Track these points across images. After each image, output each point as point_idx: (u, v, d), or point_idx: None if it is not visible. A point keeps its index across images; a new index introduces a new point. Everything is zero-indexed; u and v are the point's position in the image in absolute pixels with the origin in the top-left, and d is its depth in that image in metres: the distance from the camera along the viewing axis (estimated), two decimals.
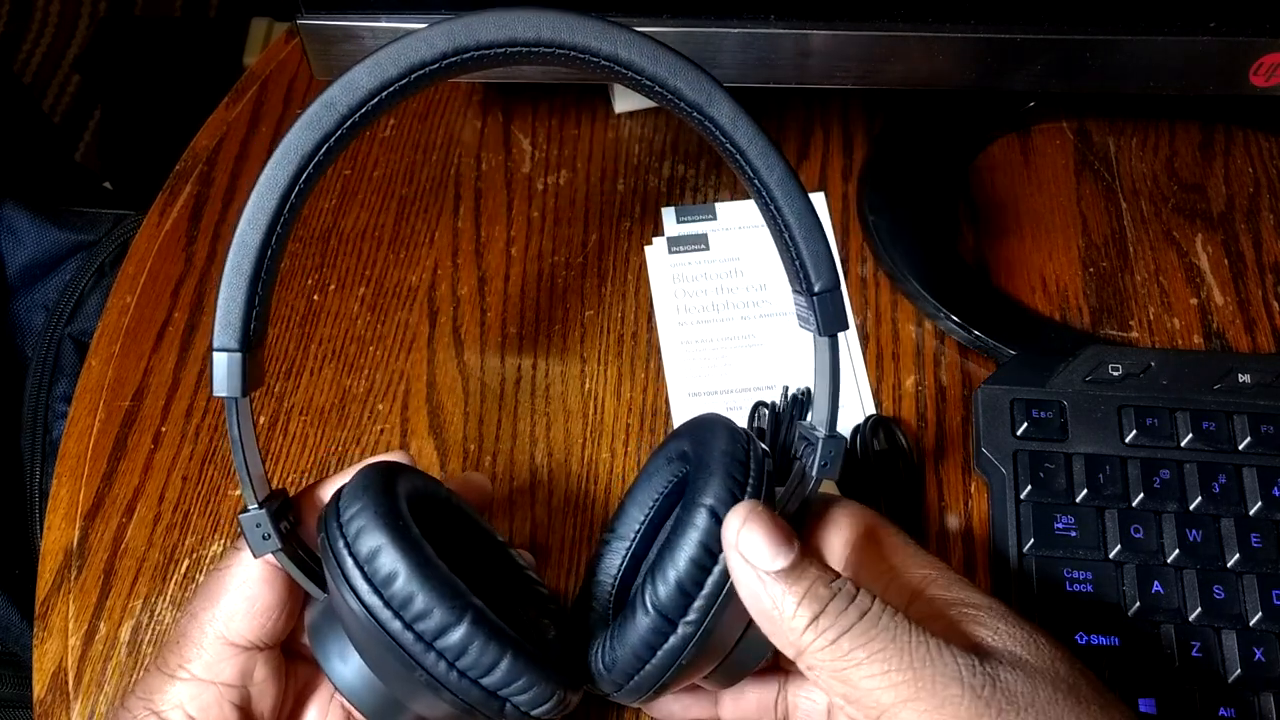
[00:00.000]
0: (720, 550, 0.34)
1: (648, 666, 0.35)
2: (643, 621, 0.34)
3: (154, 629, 0.47)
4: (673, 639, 0.34)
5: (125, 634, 0.46)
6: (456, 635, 0.33)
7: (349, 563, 0.34)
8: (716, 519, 0.34)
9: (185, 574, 0.48)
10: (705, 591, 0.34)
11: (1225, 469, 0.46)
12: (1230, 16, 0.46)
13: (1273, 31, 0.46)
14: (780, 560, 0.32)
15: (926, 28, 0.46)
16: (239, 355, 0.34)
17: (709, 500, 0.35)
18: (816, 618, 0.31)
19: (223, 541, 0.49)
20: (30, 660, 0.46)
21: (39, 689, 0.45)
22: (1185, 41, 0.46)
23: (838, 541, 0.37)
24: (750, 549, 0.32)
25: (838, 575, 0.33)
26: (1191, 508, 0.45)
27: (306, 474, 0.50)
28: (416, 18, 0.46)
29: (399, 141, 0.62)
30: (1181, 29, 0.46)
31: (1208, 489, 0.45)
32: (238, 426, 0.35)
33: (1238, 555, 0.44)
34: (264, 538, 0.35)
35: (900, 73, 0.48)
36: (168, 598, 0.47)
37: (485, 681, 0.33)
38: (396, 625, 0.33)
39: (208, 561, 0.48)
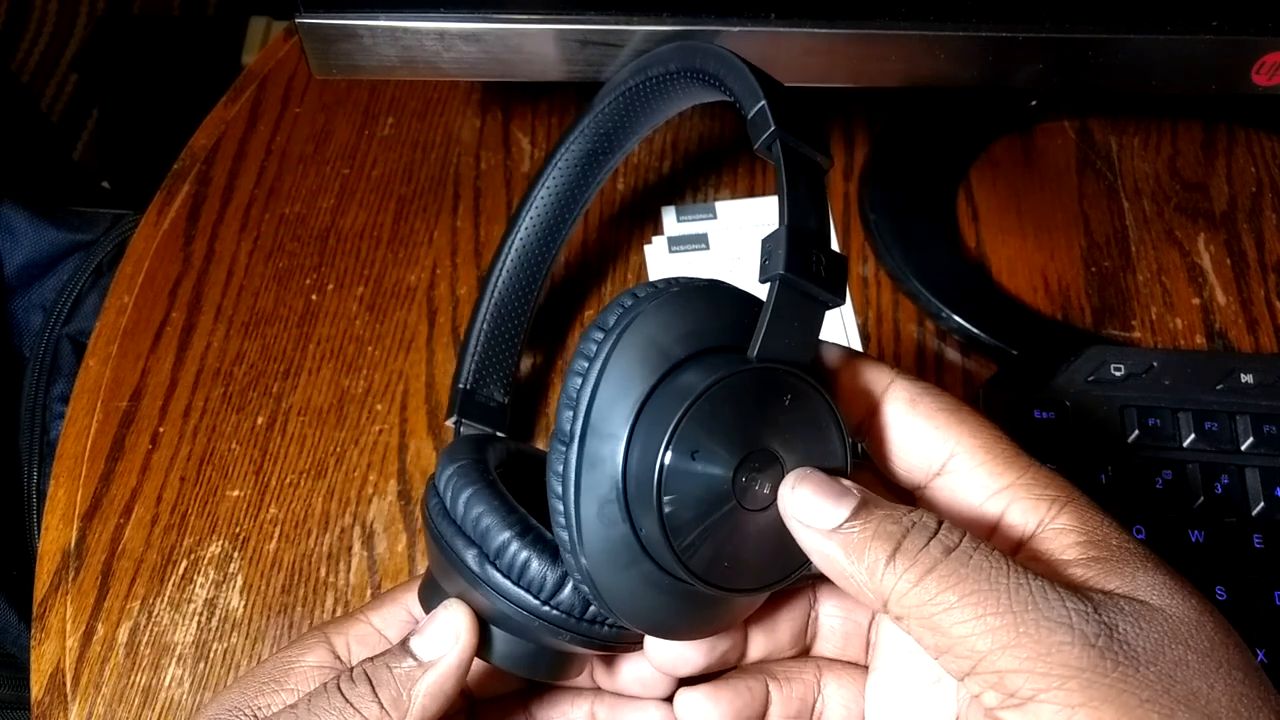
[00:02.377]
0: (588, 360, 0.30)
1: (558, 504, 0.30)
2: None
3: (152, 630, 0.46)
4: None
5: (123, 635, 0.46)
6: (505, 543, 0.32)
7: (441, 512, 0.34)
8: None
9: (183, 575, 0.48)
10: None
11: (1228, 469, 0.46)
12: (1232, 15, 0.46)
13: (1275, 31, 0.46)
14: (841, 512, 0.29)
15: (928, 26, 0.46)
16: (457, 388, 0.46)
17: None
18: (893, 556, 0.28)
19: (220, 542, 0.49)
20: (28, 661, 0.46)
21: (36, 690, 0.45)
22: (1187, 40, 0.46)
23: (928, 441, 0.32)
24: (804, 511, 0.29)
25: (911, 509, 0.29)
26: (1194, 508, 0.45)
27: (305, 474, 0.50)
28: (415, 17, 0.46)
29: (397, 140, 0.61)
30: (1183, 28, 0.46)
31: (1210, 490, 0.45)
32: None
33: (1241, 557, 0.44)
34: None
35: (902, 71, 0.48)
36: (165, 599, 0.47)
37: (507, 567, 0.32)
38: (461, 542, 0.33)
39: (205, 563, 0.48)
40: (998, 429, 0.32)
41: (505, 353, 0.49)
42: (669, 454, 0.28)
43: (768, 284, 0.30)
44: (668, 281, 0.31)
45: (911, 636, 0.28)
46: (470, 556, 0.33)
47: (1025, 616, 0.26)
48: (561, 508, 0.30)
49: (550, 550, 0.32)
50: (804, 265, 0.29)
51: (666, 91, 0.42)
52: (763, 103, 0.33)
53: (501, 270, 0.49)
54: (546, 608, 0.32)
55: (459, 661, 0.33)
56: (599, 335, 0.30)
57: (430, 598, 0.35)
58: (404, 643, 0.33)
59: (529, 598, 0.32)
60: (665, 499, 0.28)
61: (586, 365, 0.30)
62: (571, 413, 0.29)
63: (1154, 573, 0.28)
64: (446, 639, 0.33)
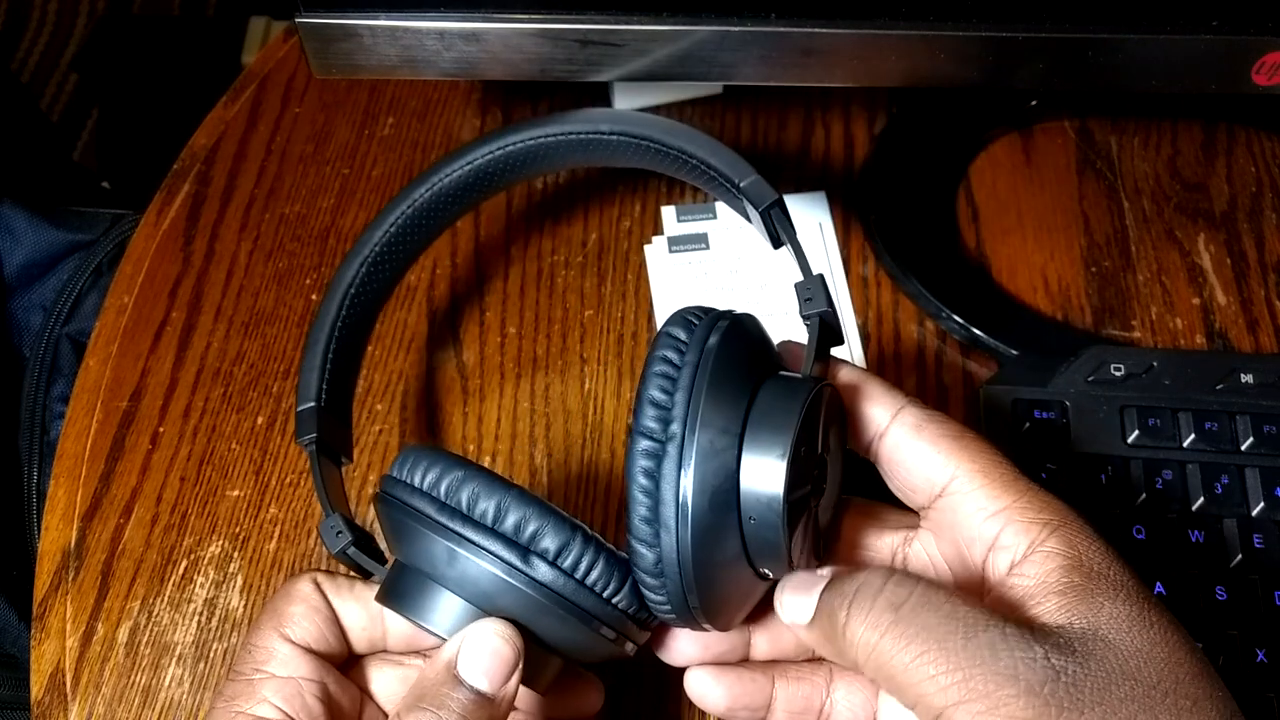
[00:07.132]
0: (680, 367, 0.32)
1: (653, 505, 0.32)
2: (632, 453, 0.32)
3: (152, 630, 0.46)
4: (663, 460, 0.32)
5: (123, 635, 0.46)
6: (541, 531, 0.33)
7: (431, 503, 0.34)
8: (673, 343, 0.33)
9: (183, 575, 0.48)
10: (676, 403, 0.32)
11: (1228, 469, 0.46)
12: (1232, 15, 0.46)
13: (1275, 30, 0.46)
14: (812, 602, 0.32)
15: (928, 26, 0.46)
16: (313, 406, 0.41)
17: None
18: (844, 627, 0.30)
19: (220, 542, 0.49)
20: (28, 661, 0.46)
21: (36, 690, 0.45)
22: (1187, 40, 0.46)
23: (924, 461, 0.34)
24: (790, 614, 0.33)
25: (858, 573, 0.31)
26: (1194, 509, 0.45)
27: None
28: (415, 17, 0.46)
29: (397, 140, 0.61)
30: (1183, 28, 0.46)
31: (1210, 490, 0.45)
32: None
33: (1240, 556, 0.44)
34: (337, 534, 0.38)
35: (902, 71, 0.48)
36: (165, 599, 0.47)
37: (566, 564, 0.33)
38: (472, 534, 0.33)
39: (205, 563, 0.48)
40: (999, 454, 0.34)
41: (351, 371, 0.45)
42: (787, 450, 0.31)
43: (809, 318, 0.35)
44: (706, 310, 0.35)
45: (890, 695, 0.30)
46: (513, 559, 0.33)
47: (974, 672, 0.28)
48: (671, 492, 0.31)
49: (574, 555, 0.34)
50: (830, 303, 0.35)
51: (591, 149, 0.45)
52: (754, 177, 0.40)
53: (355, 281, 0.45)
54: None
55: (515, 692, 0.33)
56: (684, 336, 0.33)
57: (432, 606, 0.34)
58: (454, 673, 0.33)
59: (594, 601, 0.34)
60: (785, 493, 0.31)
61: (681, 361, 0.32)
62: (677, 403, 0.32)
63: (1122, 603, 0.30)
64: (504, 669, 0.33)
